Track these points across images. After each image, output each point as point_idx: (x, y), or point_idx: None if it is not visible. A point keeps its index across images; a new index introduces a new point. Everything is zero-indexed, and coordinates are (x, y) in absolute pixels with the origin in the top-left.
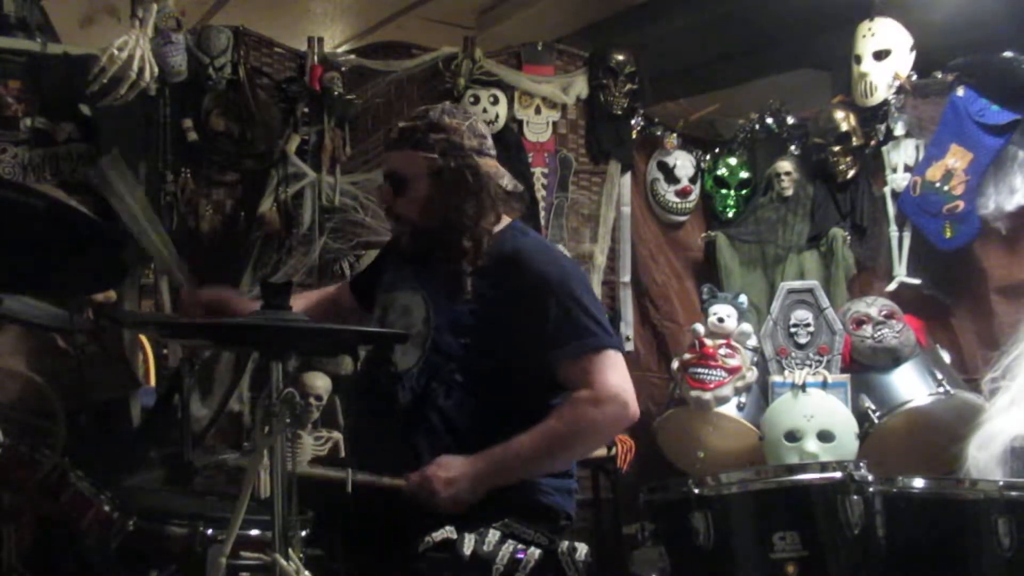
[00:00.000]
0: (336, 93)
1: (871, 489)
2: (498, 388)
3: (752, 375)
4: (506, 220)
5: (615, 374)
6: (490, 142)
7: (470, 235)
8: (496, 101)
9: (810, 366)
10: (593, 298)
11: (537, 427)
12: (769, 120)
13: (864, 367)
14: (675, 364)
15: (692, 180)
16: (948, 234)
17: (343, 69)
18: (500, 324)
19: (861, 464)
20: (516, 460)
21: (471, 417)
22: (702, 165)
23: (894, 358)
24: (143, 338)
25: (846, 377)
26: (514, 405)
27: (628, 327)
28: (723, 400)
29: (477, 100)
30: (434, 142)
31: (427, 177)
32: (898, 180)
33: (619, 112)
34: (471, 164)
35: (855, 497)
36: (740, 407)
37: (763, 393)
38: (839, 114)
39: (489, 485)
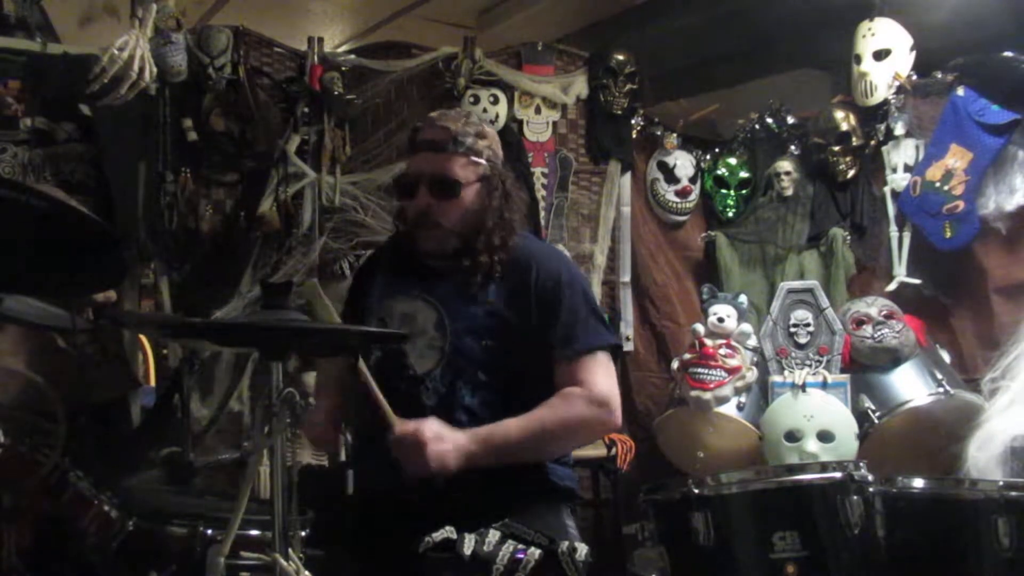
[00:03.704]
0: (336, 93)
1: (871, 489)
2: (523, 384)
3: (752, 375)
4: None
5: (607, 379)
6: None
7: (507, 240)
8: (496, 101)
9: (810, 366)
10: (594, 301)
11: (528, 415)
12: (769, 120)
13: (864, 367)
14: (675, 364)
15: (692, 180)
16: (948, 234)
17: (343, 69)
18: (517, 324)
19: (861, 464)
20: (503, 442)
21: (499, 414)
22: (702, 165)
23: (894, 358)
24: (143, 338)
25: (846, 377)
26: (539, 399)
27: (628, 327)
28: (723, 400)
29: (477, 100)
30: (482, 148)
31: (475, 183)
32: (898, 180)
33: (619, 112)
34: (505, 173)
35: (855, 497)
36: (740, 407)
37: (763, 393)
38: (839, 114)
39: (475, 462)
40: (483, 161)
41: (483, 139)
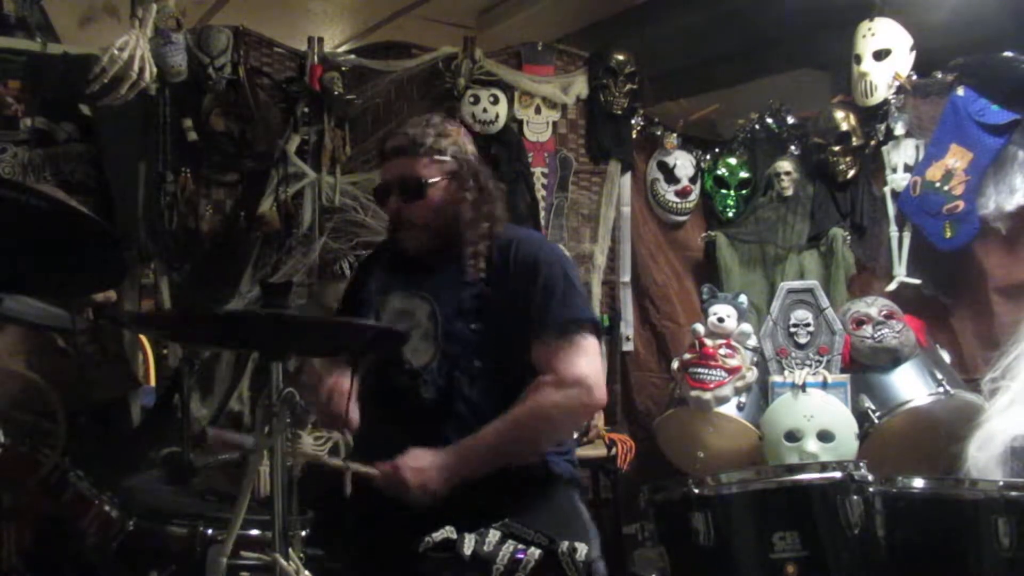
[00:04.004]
0: (336, 93)
1: (871, 489)
2: (517, 369)
3: (752, 375)
4: None
5: (582, 359)
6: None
7: (483, 231)
8: (496, 101)
9: (810, 366)
10: (575, 279)
11: (503, 416)
12: (769, 120)
13: (864, 367)
14: (675, 364)
15: (692, 180)
16: (948, 234)
17: (343, 69)
18: (501, 305)
19: (861, 464)
20: (485, 450)
21: (498, 402)
22: (702, 165)
23: (894, 358)
24: (143, 338)
25: (846, 377)
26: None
27: (628, 327)
28: (723, 400)
29: (477, 100)
30: (445, 146)
31: (441, 180)
32: (898, 180)
33: (619, 112)
34: (476, 166)
35: (855, 497)
36: (740, 407)
37: (763, 393)
38: (839, 114)
39: (460, 476)
40: (447, 158)
41: (445, 137)
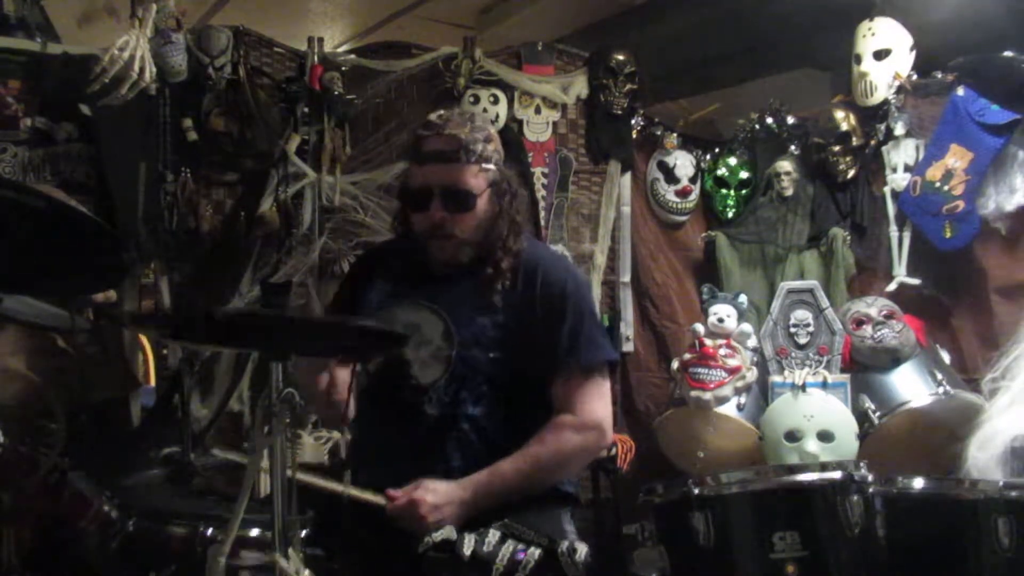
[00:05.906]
0: (336, 93)
1: (871, 489)
2: (527, 395)
3: (752, 375)
4: None
5: (601, 401)
6: None
7: (515, 245)
8: (496, 101)
9: (810, 366)
10: (596, 312)
11: (520, 452)
12: (769, 120)
13: (864, 367)
14: (675, 364)
15: (692, 180)
16: (948, 234)
17: (343, 69)
18: (523, 335)
19: (861, 464)
20: (501, 485)
21: (502, 424)
22: (702, 165)
23: (894, 358)
24: (143, 338)
25: (846, 377)
26: (543, 409)
27: (628, 327)
28: (723, 400)
29: (477, 100)
30: (490, 154)
31: (487, 190)
32: (898, 180)
33: (619, 112)
34: (509, 173)
35: (855, 497)
36: (740, 407)
37: (763, 393)
38: (839, 114)
39: (474, 510)
40: (492, 166)
41: (490, 143)
